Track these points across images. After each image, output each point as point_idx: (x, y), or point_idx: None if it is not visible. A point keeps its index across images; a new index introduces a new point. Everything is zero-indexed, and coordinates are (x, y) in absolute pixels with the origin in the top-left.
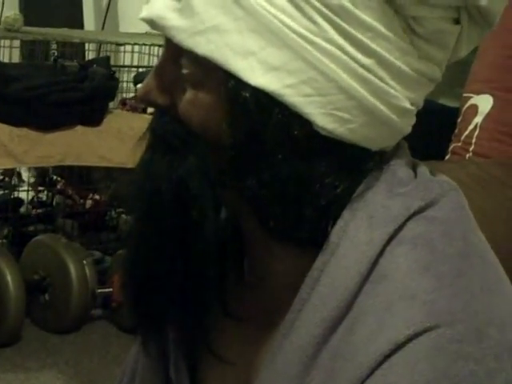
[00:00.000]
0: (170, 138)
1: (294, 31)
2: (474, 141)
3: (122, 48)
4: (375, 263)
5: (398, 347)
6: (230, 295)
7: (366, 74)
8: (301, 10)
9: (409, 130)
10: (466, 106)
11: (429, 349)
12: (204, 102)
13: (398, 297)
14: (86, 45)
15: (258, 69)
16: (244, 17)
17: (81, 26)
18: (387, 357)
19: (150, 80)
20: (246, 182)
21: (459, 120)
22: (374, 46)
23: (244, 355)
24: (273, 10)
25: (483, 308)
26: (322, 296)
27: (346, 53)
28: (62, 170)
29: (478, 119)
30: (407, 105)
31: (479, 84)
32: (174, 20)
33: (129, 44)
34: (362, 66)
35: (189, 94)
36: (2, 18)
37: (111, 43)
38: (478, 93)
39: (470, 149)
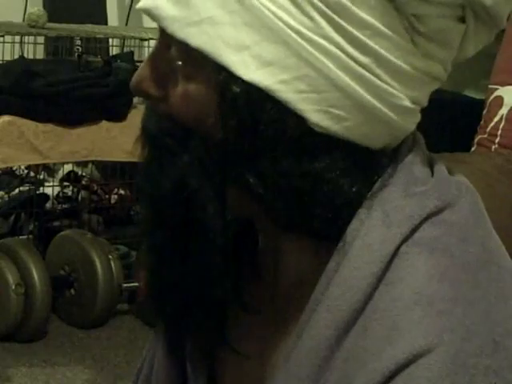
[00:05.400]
0: (163, 136)
1: (290, 27)
2: (499, 132)
3: (145, 43)
4: (389, 264)
5: (414, 358)
6: (246, 291)
7: (363, 72)
8: (297, 5)
9: (412, 128)
10: (492, 97)
11: (448, 364)
12: (195, 95)
13: (413, 302)
14: (110, 40)
15: (251, 63)
16: (239, 10)
17: (104, 21)
18: (402, 368)
19: (143, 70)
20: (248, 179)
21: (484, 112)
22: (371, 44)
23: (260, 351)
24: (269, 5)
25: (499, 319)
26: (334, 297)
27: (343, 50)
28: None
29: (504, 111)
30: (407, 103)
31: (504, 75)
32: (168, 10)
33: (153, 39)
34: (359, 64)
35: (180, 87)
36: (26, 15)
37: (135, 38)
38: (503, 84)
39: (496, 140)
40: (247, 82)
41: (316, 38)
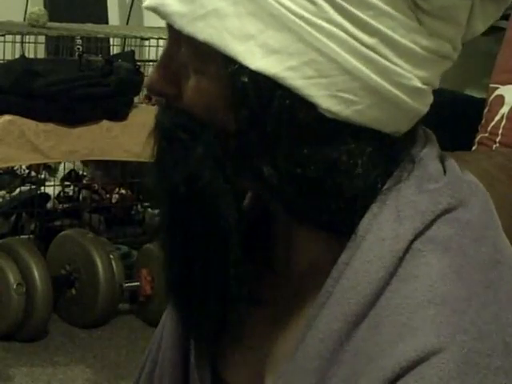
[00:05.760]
0: (177, 130)
1: (293, 13)
2: (500, 131)
3: (146, 42)
4: (401, 259)
5: (426, 356)
6: (255, 280)
7: (369, 53)
8: None
9: (425, 110)
10: (493, 96)
11: (459, 364)
12: (207, 89)
13: (427, 300)
14: (111, 40)
15: (258, 52)
16: (243, 0)
17: (105, 21)
18: (413, 366)
19: (156, 70)
20: (262, 169)
21: (486, 111)
22: (376, 24)
23: (266, 340)
24: None
25: (510, 319)
26: (345, 290)
27: (348, 32)
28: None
29: (505, 110)
30: (418, 84)
31: (505, 74)
32: (174, 6)
33: (153, 38)
34: (365, 45)
35: (192, 82)
36: (27, 14)
37: (136, 38)
38: (505, 83)
39: (497, 139)
40: (255, 71)
41: (320, 22)
